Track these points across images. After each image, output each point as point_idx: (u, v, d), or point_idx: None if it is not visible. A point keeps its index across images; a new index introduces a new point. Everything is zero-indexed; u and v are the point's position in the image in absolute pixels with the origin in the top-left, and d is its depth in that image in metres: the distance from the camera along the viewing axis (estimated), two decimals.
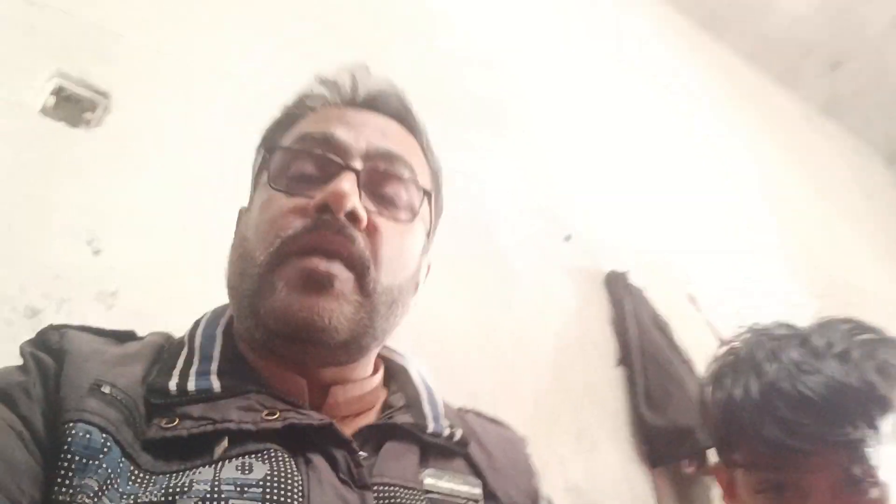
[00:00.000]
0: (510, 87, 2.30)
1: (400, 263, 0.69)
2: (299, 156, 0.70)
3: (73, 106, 1.37)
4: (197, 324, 0.72)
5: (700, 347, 1.99)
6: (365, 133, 0.71)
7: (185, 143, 1.44)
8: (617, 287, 1.96)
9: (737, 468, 0.87)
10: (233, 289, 0.69)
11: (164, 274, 1.27)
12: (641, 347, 1.82)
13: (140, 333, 0.73)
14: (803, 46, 3.69)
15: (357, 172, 0.67)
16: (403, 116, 0.79)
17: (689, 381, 1.77)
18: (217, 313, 0.74)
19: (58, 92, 1.34)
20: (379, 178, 0.70)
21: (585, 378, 1.81)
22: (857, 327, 0.86)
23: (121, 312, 1.18)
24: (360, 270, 0.64)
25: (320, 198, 0.64)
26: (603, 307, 1.99)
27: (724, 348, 0.93)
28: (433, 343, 1.58)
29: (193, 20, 1.61)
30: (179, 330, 0.76)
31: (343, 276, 0.63)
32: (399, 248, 0.69)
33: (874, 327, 0.87)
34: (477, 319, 1.69)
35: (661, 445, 1.71)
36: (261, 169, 0.75)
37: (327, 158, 0.68)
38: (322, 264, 0.62)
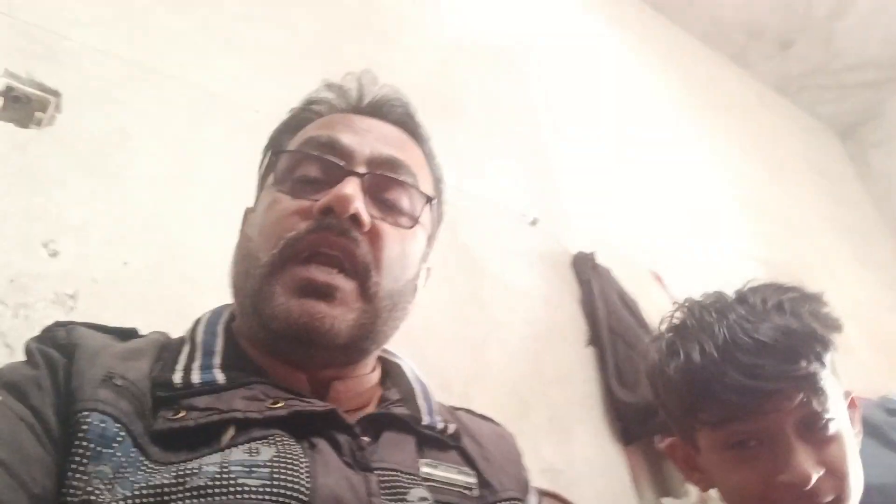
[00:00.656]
0: (463, 72, 2.30)
1: (401, 268, 0.71)
2: (304, 159, 0.71)
3: (22, 106, 1.33)
4: (198, 321, 0.73)
5: None
6: (369, 139, 0.73)
7: (139, 141, 1.41)
8: (584, 268, 1.98)
9: (703, 429, 0.88)
10: (237, 288, 0.70)
11: (124, 276, 1.25)
12: (610, 326, 1.84)
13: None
14: (754, 28, 3.77)
15: (361, 177, 0.68)
16: (408, 124, 0.81)
17: (654, 374, 1.79)
18: (217, 312, 0.75)
19: (6, 92, 1.30)
20: (382, 183, 0.72)
21: (557, 361, 1.82)
22: (782, 287, 0.92)
23: (81, 316, 1.15)
24: (362, 276, 0.66)
25: (324, 200, 0.66)
26: (572, 289, 2.01)
27: (665, 324, 0.95)
28: (402, 337, 1.59)
29: (140, 19, 1.58)
30: (143, 332, 0.76)
31: (345, 286, 0.65)
32: (401, 253, 0.70)
33: (795, 286, 0.93)
34: (446, 311, 1.70)
35: (633, 422, 1.74)
36: (267, 170, 0.77)
37: (332, 163, 0.70)
38: (321, 275, 0.63)
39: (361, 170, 0.70)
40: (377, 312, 0.67)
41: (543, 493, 1.57)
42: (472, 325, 1.73)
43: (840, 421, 0.84)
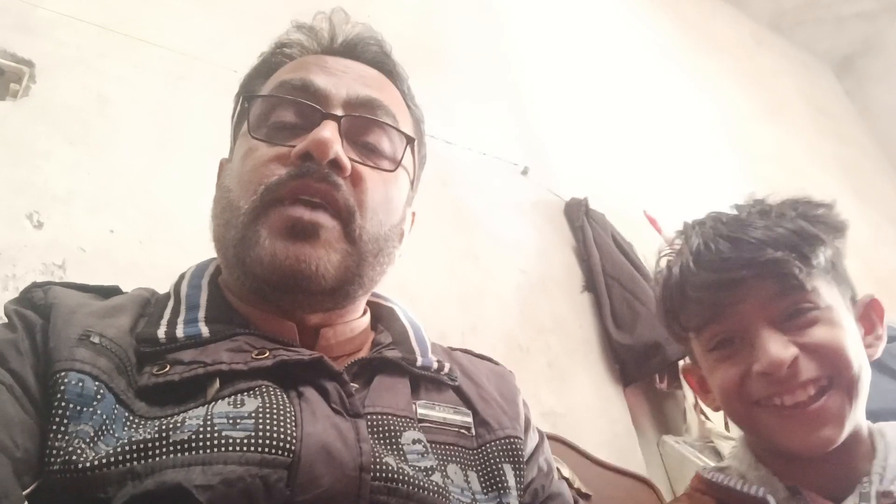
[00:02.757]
0: (447, 22, 2.27)
1: (385, 212, 0.69)
2: (279, 104, 0.69)
3: None
4: (182, 276, 0.71)
5: None
6: (345, 80, 0.70)
7: (119, 107, 1.40)
8: (577, 214, 1.97)
9: (692, 338, 0.88)
10: (218, 240, 0.68)
11: (112, 243, 1.24)
12: (605, 271, 1.84)
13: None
14: None
15: (338, 120, 0.66)
16: (383, 63, 0.78)
17: (653, 299, 1.80)
18: (201, 266, 0.74)
19: None
20: (361, 126, 0.69)
21: (553, 308, 1.83)
22: (783, 198, 0.90)
23: None
24: (346, 218, 0.64)
25: (302, 146, 0.64)
26: (565, 237, 2.00)
27: (665, 250, 0.94)
28: (398, 292, 1.59)
29: None
30: None
31: (329, 224, 0.63)
32: (384, 197, 0.68)
33: (798, 197, 0.90)
34: (441, 265, 1.70)
35: (631, 364, 1.75)
36: (240, 118, 0.74)
37: (307, 106, 0.67)
38: (306, 213, 0.62)
39: (339, 112, 0.67)
40: (362, 256, 0.65)
41: (546, 437, 1.60)
42: (467, 278, 1.73)
43: (831, 313, 0.80)
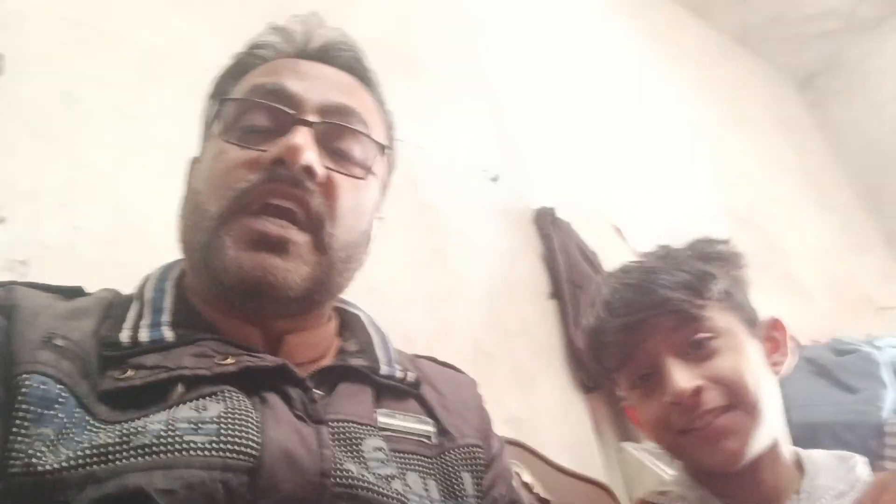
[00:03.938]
0: (421, 28, 2.27)
1: (355, 219, 0.69)
2: (251, 107, 0.69)
3: None
4: (147, 278, 0.71)
5: None
6: (318, 86, 0.70)
7: (87, 103, 1.38)
8: (545, 223, 2.00)
9: (612, 377, 0.98)
10: (186, 242, 0.68)
11: (77, 241, 1.23)
12: (571, 279, 1.87)
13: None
14: None
15: (311, 126, 0.66)
16: (357, 69, 0.78)
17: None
18: (166, 268, 0.73)
19: None
20: (334, 133, 0.69)
21: (519, 314, 1.85)
22: (688, 241, 1.01)
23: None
24: (316, 228, 0.64)
25: (275, 151, 0.64)
26: (533, 244, 2.03)
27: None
28: (366, 295, 1.59)
29: None
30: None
31: (299, 240, 0.63)
32: (355, 204, 0.69)
33: (701, 238, 1.01)
34: (409, 269, 1.71)
35: (593, 370, 1.78)
36: (212, 120, 0.73)
37: (279, 110, 0.67)
38: (274, 229, 0.62)
39: (312, 118, 0.67)
40: (331, 264, 0.66)
41: (508, 443, 1.62)
42: (434, 282, 1.74)
43: (732, 339, 0.90)
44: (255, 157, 0.65)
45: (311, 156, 0.64)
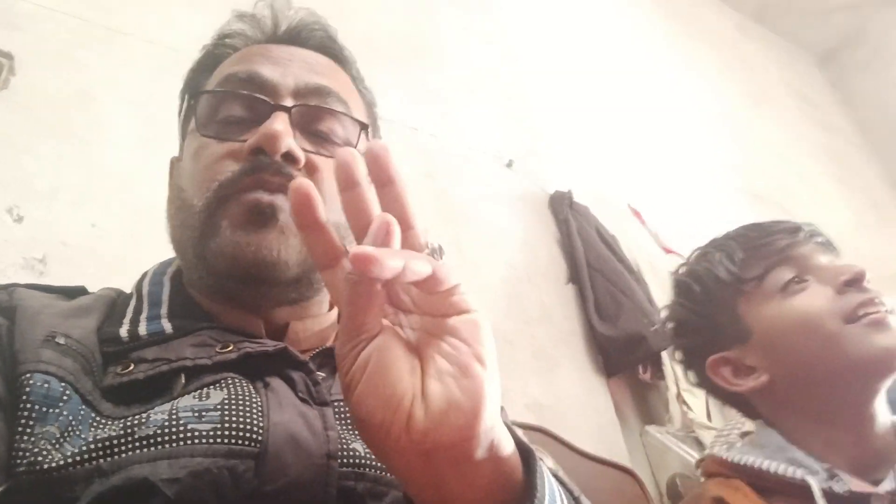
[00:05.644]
0: (435, 14, 2.26)
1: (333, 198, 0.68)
2: (226, 98, 0.67)
3: None
4: (144, 275, 0.71)
5: (647, 258, 2.05)
6: (292, 69, 0.69)
7: (103, 102, 1.39)
8: (562, 207, 1.98)
9: (756, 285, 0.93)
10: (176, 241, 0.67)
11: (94, 238, 1.24)
12: (589, 263, 1.85)
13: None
14: None
15: (288, 111, 0.65)
16: (330, 48, 0.76)
17: (637, 291, 1.81)
18: (164, 264, 0.73)
19: None
20: (312, 115, 0.68)
21: (538, 300, 1.84)
22: None
23: (51, 280, 1.14)
24: None
25: (253, 140, 0.63)
26: (550, 229, 2.01)
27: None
28: None
29: None
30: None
31: (287, 207, 0.61)
32: (332, 185, 0.68)
33: None
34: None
35: (614, 355, 1.77)
36: (187, 115, 0.72)
37: (255, 98, 0.66)
38: (265, 196, 0.61)
39: (288, 103, 0.66)
40: None
41: (529, 428, 1.61)
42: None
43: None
44: (235, 148, 0.64)
45: (290, 141, 0.63)
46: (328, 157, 0.67)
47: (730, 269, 0.94)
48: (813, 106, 3.93)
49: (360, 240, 0.41)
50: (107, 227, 1.26)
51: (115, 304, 0.66)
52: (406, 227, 0.42)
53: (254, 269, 0.61)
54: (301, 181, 0.43)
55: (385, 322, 0.42)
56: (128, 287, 0.75)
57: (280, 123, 0.63)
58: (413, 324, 0.43)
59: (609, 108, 2.59)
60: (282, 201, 0.62)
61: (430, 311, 0.42)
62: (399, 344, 0.41)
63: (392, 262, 0.35)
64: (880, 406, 0.84)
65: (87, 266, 1.20)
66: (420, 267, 0.38)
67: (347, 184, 0.43)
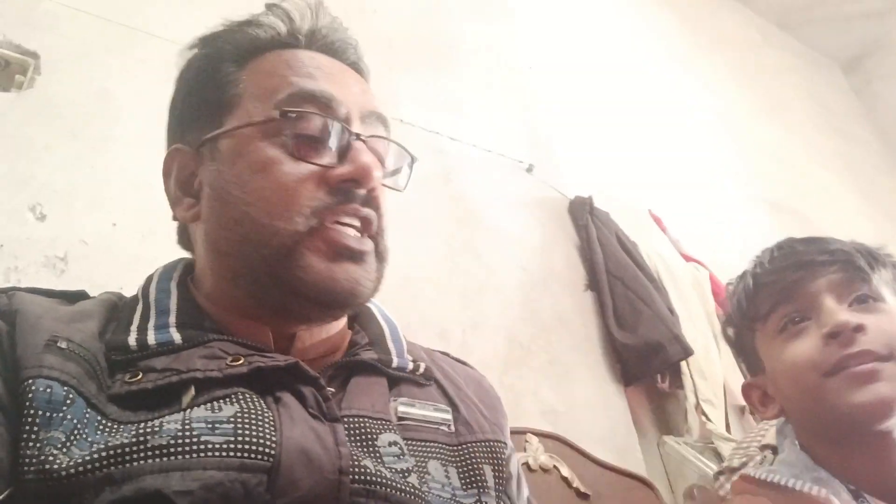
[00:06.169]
0: (454, 16, 2.25)
1: (388, 226, 0.71)
2: (302, 116, 0.66)
3: (1, 70, 1.32)
4: (150, 279, 0.70)
5: (667, 265, 2.02)
6: (353, 91, 0.70)
7: (124, 101, 1.39)
8: (581, 213, 1.97)
9: (754, 328, 0.94)
10: (229, 253, 0.65)
11: (114, 237, 1.24)
12: (608, 270, 1.84)
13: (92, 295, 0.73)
14: None
15: (364, 141, 0.67)
16: (361, 65, 0.77)
17: (657, 299, 1.79)
18: (169, 268, 0.72)
19: None
20: (374, 144, 0.69)
21: (555, 306, 1.82)
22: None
23: (72, 278, 1.15)
24: (377, 239, 0.66)
25: (347, 172, 0.64)
26: (569, 235, 2.00)
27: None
28: (401, 289, 1.59)
29: None
30: (135, 291, 0.74)
31: (370, 248, 0.65)
32: (388, 212, 0.70)
33: None
34: (443, 262, 1.70)
35: (633, 363, 1.75)
36: (221, 100, 0.68)
37: (339, 126, 0.66)
38: (355, 243, 0.63)
39: (356, 127, 0.67)
40: (382, 270, 0.68)
41: (545, 436, 1.60)
42: (468, 275, 1.73)
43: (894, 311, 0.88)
44: (318, 172, 0.64)
45: (378, 175, 0.65)
46: (391, 189, 0.71)
47: (741, 304, 0.95)
48: (834, 114, 3.89)
49: None
50: (126, 225, 1.26)
51: (116, 308, 0.66)
52: None
53: (343, 298, 0.63)
54: None
55: None
56: (140, 284, 0.74)
57: (368, 156, 0.65)
58: None
59: (630, 113, 2.57)
60: (367, 245, 0.65)
61: None
62: None
63: None
64: None
65: (105, 264, 1.20)
66: None
67: None
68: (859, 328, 0.81)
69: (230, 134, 0.68)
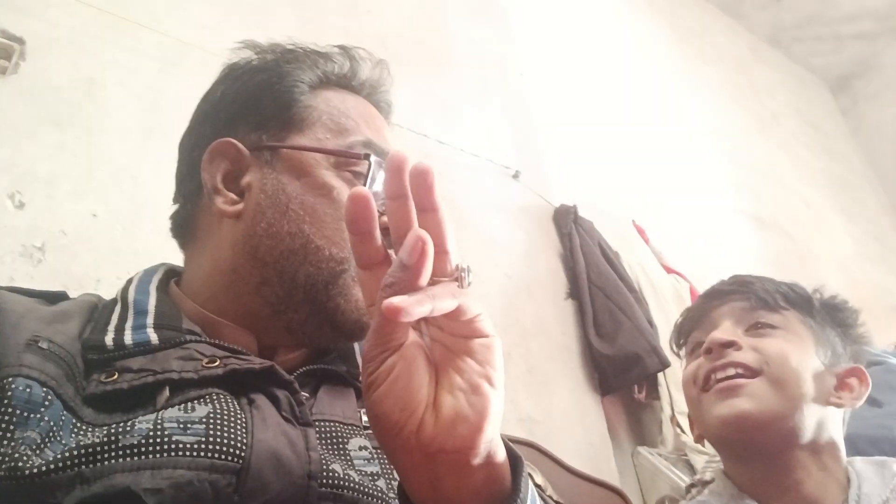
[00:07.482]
0: (446, 21, 2.26)
1: None
2: (365, 160, 0.69)
3: None
4: (129, 282, 0.70)
5: (648, 276, 2.04)
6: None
7: (109, 91, 1.38)
8: (566, 221, 1.97)
9: (683, 349, 1.03)
10: (263, 262, 0.66)
11: (94, 228, 1.23)
12: (590, 279, 1.85)
13: (71, 289, 0.73)
14: None
15: None
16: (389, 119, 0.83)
17: (637, 310, 1.80)
18: (149, 271, 0.73)
19: None
20: None
21: (536, 313, 1.83)
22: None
23: (48, 268, 1.14)
24: None
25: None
26: (553, 243, 2.00)
27: None
28: None
29: None
30: (112, 285, 0.75)
31: None
32: None
33: None
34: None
35: (610, 373, 1.76)
36: (308, 124, 0.71)
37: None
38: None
39: None
40: None
41: (520, 443, 1.60)
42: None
43: (797, 340, 0.91)
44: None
45: None
46: None
47: (673, 335, 1.05)
48: (820, 133, 3.93)
49: (398, 248, 0.43)
50: (106, 217, 1.25)
51: (96, 309, 0.66)
52: (440, 250, 0.44)
53: (364, 332, 0.64)
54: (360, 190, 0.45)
55: (412, 333, 0.45)
56: (118, 278, 0.75)
57: None
58: (434, 334, 0.46)
59: (618, 124, 2.58)
60: None
61: (453, 331, 0.45)
62: (422, 356, 0.45)
63: (419, 308, 0.39)
64: (806, 456, 0.86)
65: (83, 255, 1.19)
66: (446, 304, 0.41)
67: (398, 193, 0.45)
68: (730, 343, 0.87)
69: (298, 151, 0.69)
